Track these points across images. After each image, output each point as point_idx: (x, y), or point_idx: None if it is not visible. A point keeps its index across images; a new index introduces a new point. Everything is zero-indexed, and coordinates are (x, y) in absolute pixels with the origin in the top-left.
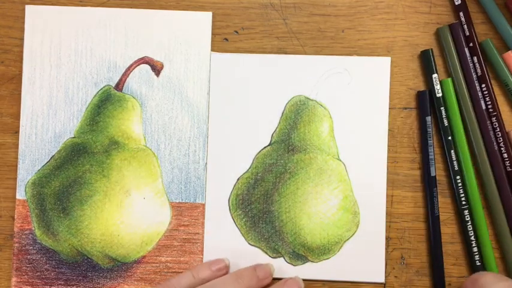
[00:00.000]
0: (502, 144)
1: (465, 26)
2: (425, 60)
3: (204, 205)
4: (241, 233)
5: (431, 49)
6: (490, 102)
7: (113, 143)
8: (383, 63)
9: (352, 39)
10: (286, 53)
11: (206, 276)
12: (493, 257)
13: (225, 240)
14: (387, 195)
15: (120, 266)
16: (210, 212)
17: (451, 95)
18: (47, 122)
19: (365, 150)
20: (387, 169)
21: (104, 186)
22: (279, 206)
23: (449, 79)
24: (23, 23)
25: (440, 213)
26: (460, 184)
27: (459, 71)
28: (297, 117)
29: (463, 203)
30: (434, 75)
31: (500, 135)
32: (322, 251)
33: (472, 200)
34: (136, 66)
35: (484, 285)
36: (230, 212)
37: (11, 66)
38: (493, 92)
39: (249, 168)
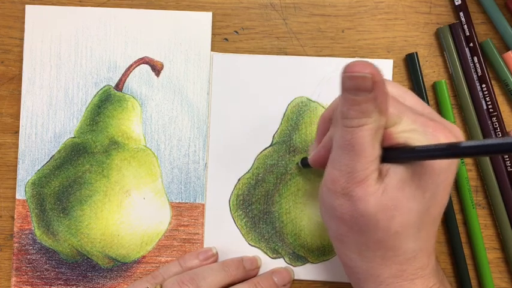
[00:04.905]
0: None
1: (465, 26)
2: (411, 63)
3: (204, 205)
4: (241, 233)
5: (416, 52)
6: (490, 102)
7: (113, 143)
8: (385, 65)
9: (352, 40)
10: (286, 53)
11: (194, 265)
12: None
13: (225, 241)
14: None
15: (120, 266)
16: (210, 212)
17: (445, 97)
18: (47, 122)
19: None
20: None
21: (103, 186)
22: (280, 207)
23: (443, 81)
24: (23, 23)
25: None
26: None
27: (459, 71)
28: (298, 118)
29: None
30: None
31: (500, 135)
32: (322, 252)
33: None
34: (137, 66)
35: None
36: (230, 212)
37: (11, 66)
38: (493, 92)
39: (250, 168)
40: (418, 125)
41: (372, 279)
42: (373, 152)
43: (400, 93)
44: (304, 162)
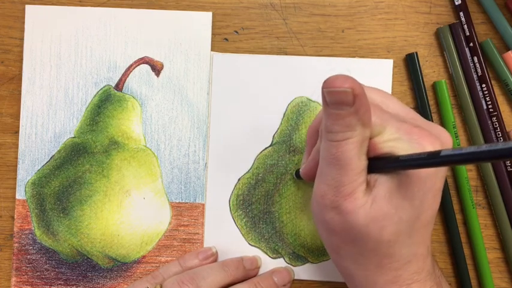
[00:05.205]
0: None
1: (465, 26)
2: (411, 63)
3: (204, 205)
4: (241, 233)
5: (416, 52)
6: (490, 102)
7: (113, 143)
8: (385, 65)
9: (352, 39)
10: (286, 53)
11: (193, 265)
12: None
13: (225, 241)
14: None
15: (120, 266)
16: (210, 212)
17: (445, 97)
18: (47, 122)
19: None
20: None
21: (103, 186)
22: (280, 207)
23: (443, 81)
24: (23, 23)
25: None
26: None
27: (459, 71)
28: (298, 118)
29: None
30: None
31: (500, 135)
32: (322, 252)
33: (464, 203)
34: (136, 66)
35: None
36: (230, 212)
37: (11, 66)
38: (493, 92)
39: (250, 168)
40: (402, 133)
41: (369, 286)
42: (360, 164)
43: (383, 100)
44: (298, 174)
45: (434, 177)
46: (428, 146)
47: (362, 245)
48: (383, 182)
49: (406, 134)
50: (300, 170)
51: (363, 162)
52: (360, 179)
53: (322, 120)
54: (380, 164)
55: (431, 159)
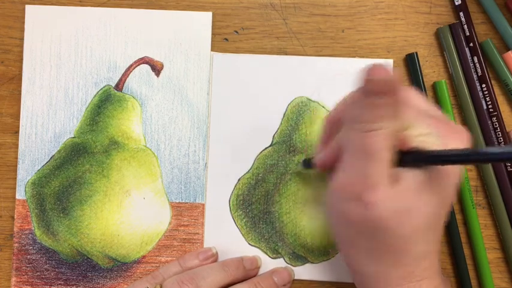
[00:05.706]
0: (502, 144)
1: (465, 26)
2: (411, 63)
3: (204, 205)
4: (241, 233)
5: (416, 52)
6: (490, 102)
7: (113, 143)
8: (385, 65)
9: (352, 39)
10: (286, 53)
11: (193, 265)
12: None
13: (225, 241)
14: None
15: (120, 266)
16: (210, 212)
17: (445, 97)
18: (47, 122)
19: None
20: None
21: (103, 186)
22: (280, 207)
23: (443, 81)
24: (23, 23)
25: None
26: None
27: (459, 71)
28: (298, 118)
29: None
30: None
31: (500, 135)
32: (322, 252)
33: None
34: (136, 66)
35: None
36: (230, 212)
37: (11, 66)
38: (494, 92)
39: (250, 168)
40: (432, 128)
41: (382, 281)
42: (387, 156)
43: (406, 94)
44: (307, 164)
45: (458, 173)
46: (458, 143)
47: (379, 239)
48: (411, 176)
49: (436, 130)
50: (316, 159)
51: (390, 155)
52: (386, 171)
53: (346, 110)
54: (411, 157)
55: (473, 156)
